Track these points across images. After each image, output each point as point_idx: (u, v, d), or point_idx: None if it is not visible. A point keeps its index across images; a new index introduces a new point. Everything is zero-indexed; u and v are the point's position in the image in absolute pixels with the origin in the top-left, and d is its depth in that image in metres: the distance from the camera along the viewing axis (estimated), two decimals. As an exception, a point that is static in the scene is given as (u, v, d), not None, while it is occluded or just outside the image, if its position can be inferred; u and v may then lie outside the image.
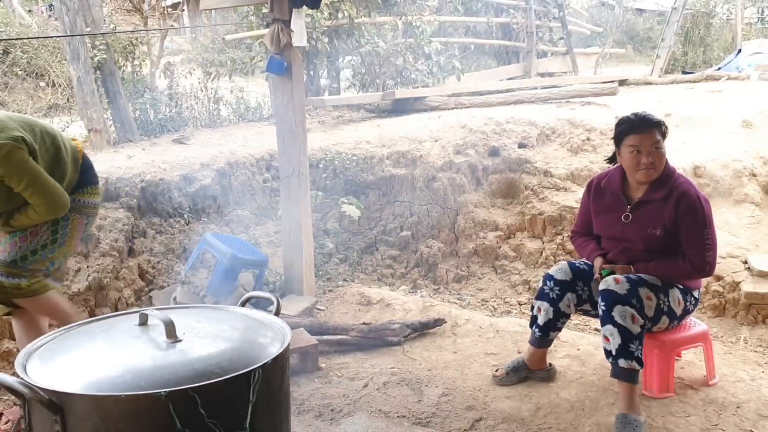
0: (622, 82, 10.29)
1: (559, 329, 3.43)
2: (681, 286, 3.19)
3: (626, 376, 2.97)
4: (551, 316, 3.34)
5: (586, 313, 3.52)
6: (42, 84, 8.03)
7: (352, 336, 4.10)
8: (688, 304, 3.22)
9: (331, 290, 4.91)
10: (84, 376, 1.72)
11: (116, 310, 4.13)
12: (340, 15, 7.30)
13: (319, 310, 4.62)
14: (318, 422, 3.28)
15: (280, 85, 4.52)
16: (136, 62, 5.88)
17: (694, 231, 3.07)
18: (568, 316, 3.41)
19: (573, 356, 3.81)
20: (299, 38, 4.45)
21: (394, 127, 6.22)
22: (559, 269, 3.37)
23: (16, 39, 7.18)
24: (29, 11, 11.46)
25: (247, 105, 6.86)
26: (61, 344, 1.92)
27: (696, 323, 3.45)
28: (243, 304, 2.33)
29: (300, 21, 4.46)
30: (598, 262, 3.27)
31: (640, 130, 3.12)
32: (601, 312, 3.02)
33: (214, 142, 5.75)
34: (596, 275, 3.24)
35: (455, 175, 5.65)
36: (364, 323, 4.22)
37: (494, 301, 5.20)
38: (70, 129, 5.76)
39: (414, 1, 8.53)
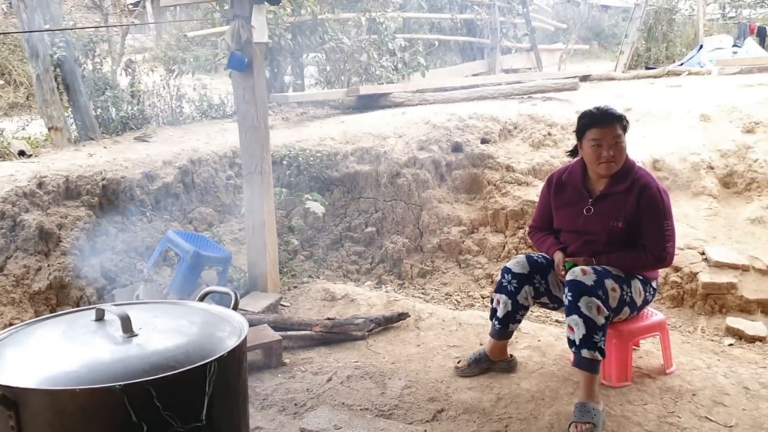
0: (585, 78, 10.45)
1: (519, 321, 3.49)
2: (641, 277, 3.27)
3: (588, 366, 3.03)
4: (510, 309, 3.40)
5: (543, 305, 3.59)
6: (1, 82, 7.90)
7: (316, 331, 4.12)
8: (647, 294, 3.30)
9: (296, 287, 4.93)
10: (38, 371, 1.73)
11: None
12: (303, 11, 7.30)
13: (284, 306, 4.63)
14: (281, 416, 3.30)
15: (241, 81, 4.51)
16: (97, 60, 5.81)
17: (654, 223, 3.15)
18: (527, 308, 3.47)
19: (534, 347, 3.88)
20: (260, 34, 4.45)
21: (358, 124, 6.24)
22: (517, 262, 3.43)
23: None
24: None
25: (210, 102, 6.83)
26: (16, 340, 1.92)
27: (654, 313, 3.54)
28: (202, 299, 2.34)
29: (261, 17, 4.46)
30: (558, 256, 3.33)
31: (602, 124, 3.19)
32: (567, 302, 3.08)
33: (176, 140, 5.72)
34: (559, 270, 3.29)
35: (419, 171, 5.70)
36: (328, 318, 4.25)
37: (458, 295, 5.26)
38: (30, 127, 5.67)
39: (378, -3, 8.56)
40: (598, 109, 3.27)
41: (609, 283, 3.08)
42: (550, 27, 14.26)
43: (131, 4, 6.54)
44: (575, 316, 3.02)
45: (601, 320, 3.00)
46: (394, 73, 8.21)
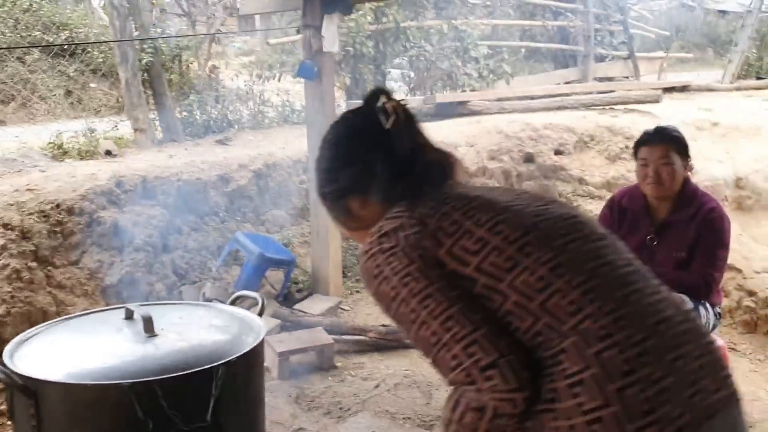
0: (684, 88, 10.01)
1: None
2: (705, 302, 3.11)
3: None
4: None
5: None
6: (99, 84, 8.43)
7: (370, 337, 4.17)
8: (710, 319, 3.14)
9: (358, 291, 4.99)
10: (60, 365, 1.86)
11: (146, 302, 4.31)
12: (385, 19, 7.37)
13: (344, 310, 4.70)
14: (325, 419, 3.37)
15: (312, 90, 4.62)
16: (184, 65, 6.11)
17: (709, 247, 2.99)
18: None
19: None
20: (330, 44, 4.54)
21: (432, 132, 6.22)
22: None
23: (67, 44, 7.55)
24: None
25: (292, 107, 7.01)
26: (48, 335, 2.06)
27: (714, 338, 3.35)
28: (232, 303, 2.43)
29: (332, 27, 4.55)
30: None
31: (651, 143, 3.08)
32: None
33: (255, 144, 5.91)
34: None
35: (488, 181, 5.63)
36: (383, 325, 4.28)
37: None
38: (119, 128, 6.02)
39: (464, 4, 8.52)
40: (655, 128, 3.15)
41: None
42: (650, 34, 13.72)
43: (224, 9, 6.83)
44: None
45: None
46: (478, 81, 8.15)
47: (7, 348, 1.97)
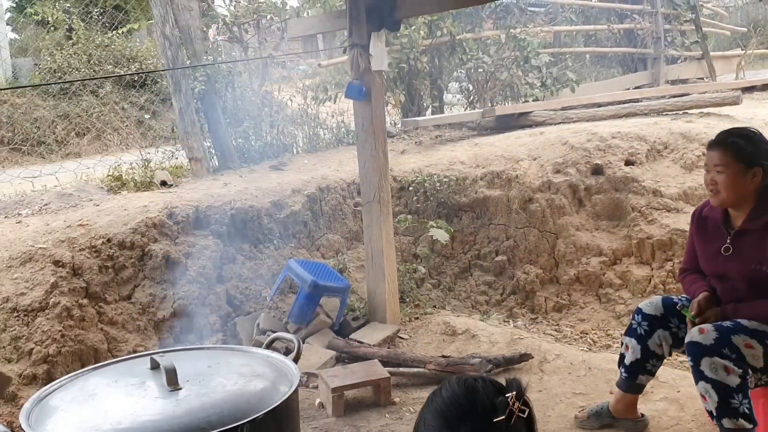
0: (766, 87, 9.40)
1: (651, 373, 3.05)
2: None
3: None
4: (639, 356, 3.00)
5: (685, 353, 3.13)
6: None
7: (430, 369, 3.94)
8: None
9: (417, 318, 4.76)
10: (71, 427, 1.71)
11: (201, 336, 4.23)
12: (439, 33, 7.18)
13: (402, 339, 4.48)
14: (382, 461, 3.15)
15: (361, 110, 4.47)
16: (237, 91, 6.07)
17: None
18: (660, 358, 3.04)
19: (671, 399, 3.43)
20: (379, 63, 4.37)
21: (491, 146, 5.98)
22: (650, 302, 3.03)
23: (121, 75, 7.67)
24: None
25: (347, 129, 6.89)
26: (69, 390, 1.93)
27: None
28: (268, 346, 2.26)
29: (380, 45, 4.39)
30: (698, 297, 2.87)
31: (709, 148, 2.80)
32: (690, 368, 2.67)
33: (309, 168, 5.80)
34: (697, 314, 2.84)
35: (554, 196, 5.33)
36: (443, 356, 4.05)
37: (595, 333, 4.82)
38: (174, 158, 6.02)
39: (523, 12, 8.24)
40: (720, 132, 2.84)
41: (739, 339, 2.60)
42: (725, 32, 13.00)
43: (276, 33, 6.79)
44: (702, 383, 2.59)
45: (734, 380, 2.54)
46: (541, 90, 7.84)
47: (27, 405, 1.85)
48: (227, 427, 1.67)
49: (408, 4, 4.36)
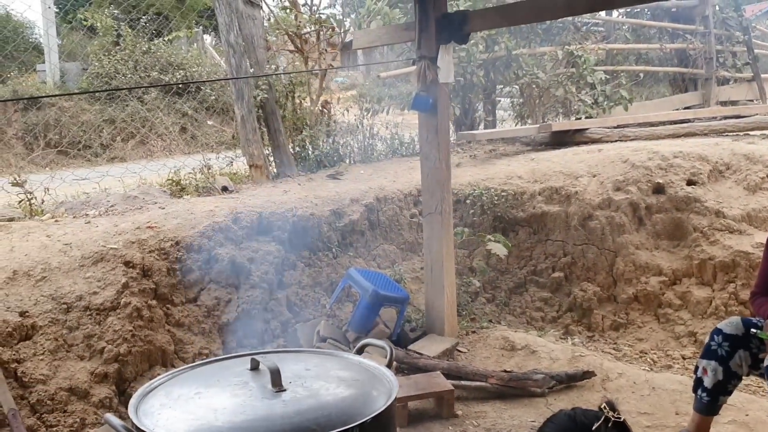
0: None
1: (729, 393, 3.01)
2: None
3: None
4: (721, 377, 2.94)
5: (762, 376, 3.07)
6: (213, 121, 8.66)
7: (492, 383, 3.92)
8: None
9: (474, 331, 4.74)
10: (187, 423, 1.74)
11: (263, 341, 4.26)
12: (496, 47, 7.19)
13: (460, 352, 4.47)
14: (448, 474, 3.14)
15: (425, 122, 4.49)
16: (297, 100, 6.14)
17: None
18: (740, 378, 2.99)
19: (740, 423, 3.37)
20: (446, 75, 4.39)
21: (549, 162, 5.95)
22: (730, 323, 2.99)
23: (174, 84, 7.80)
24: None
25: (401, 140, 6.92)
26: (173, 386, 1.96)
27: None
28: (359, 352, 2.27)
29: (447, 57, 4.41)
30: None
31: None
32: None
33: (365, 178, 5.83)
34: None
35: (614, 214, 5.28)
36: (505, 371, 4.02)
37: (654, 354, 4.75)
38: (235, 164, 6.11)
39: (578, 29, 8.21)
40: None
41: None
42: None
43: (330, 45, 6.86)
44: None
45: None
46: (594, 108, 7.79)
47: (132, 401, 1.88)
48: (338, 430, 1.68)
49: (479, 18, 4.38)
